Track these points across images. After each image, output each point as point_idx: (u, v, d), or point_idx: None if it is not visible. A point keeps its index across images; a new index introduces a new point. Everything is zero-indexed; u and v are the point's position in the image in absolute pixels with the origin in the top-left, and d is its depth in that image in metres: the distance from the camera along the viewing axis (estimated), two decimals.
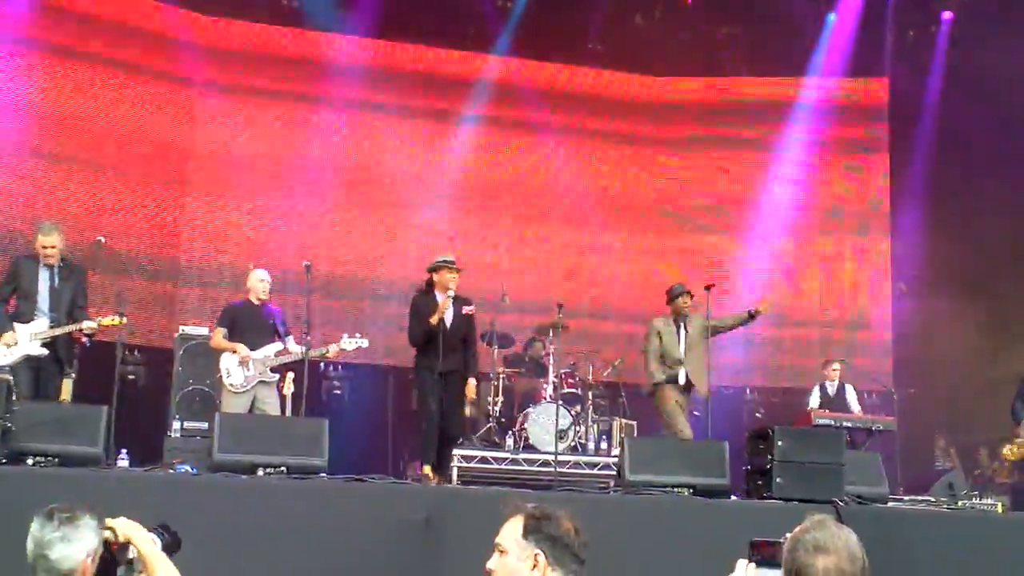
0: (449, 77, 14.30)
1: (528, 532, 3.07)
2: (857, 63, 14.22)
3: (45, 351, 8.25)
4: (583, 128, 14.72)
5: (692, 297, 9.92)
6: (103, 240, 8.87)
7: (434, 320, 8.66)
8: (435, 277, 8.91)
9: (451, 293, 8.73)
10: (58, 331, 8.26)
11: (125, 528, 3.39)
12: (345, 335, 9.13)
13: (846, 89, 14.72)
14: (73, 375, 8.62)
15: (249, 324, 9.11)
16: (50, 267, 8.42)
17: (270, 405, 8.97)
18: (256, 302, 9.21)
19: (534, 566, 3.03)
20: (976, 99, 13.24)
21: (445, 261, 8.94)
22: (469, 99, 14.28)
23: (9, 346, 8.17)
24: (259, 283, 9.22)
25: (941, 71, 13.81)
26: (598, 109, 14.75)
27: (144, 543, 3.39)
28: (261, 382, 8.94)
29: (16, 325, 8.26)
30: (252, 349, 8.94)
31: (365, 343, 9.09)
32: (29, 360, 8.22)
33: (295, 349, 9.02)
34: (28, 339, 8.22)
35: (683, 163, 14.89)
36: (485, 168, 14.43)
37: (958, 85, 13.51)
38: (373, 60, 13.98)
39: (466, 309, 8.96)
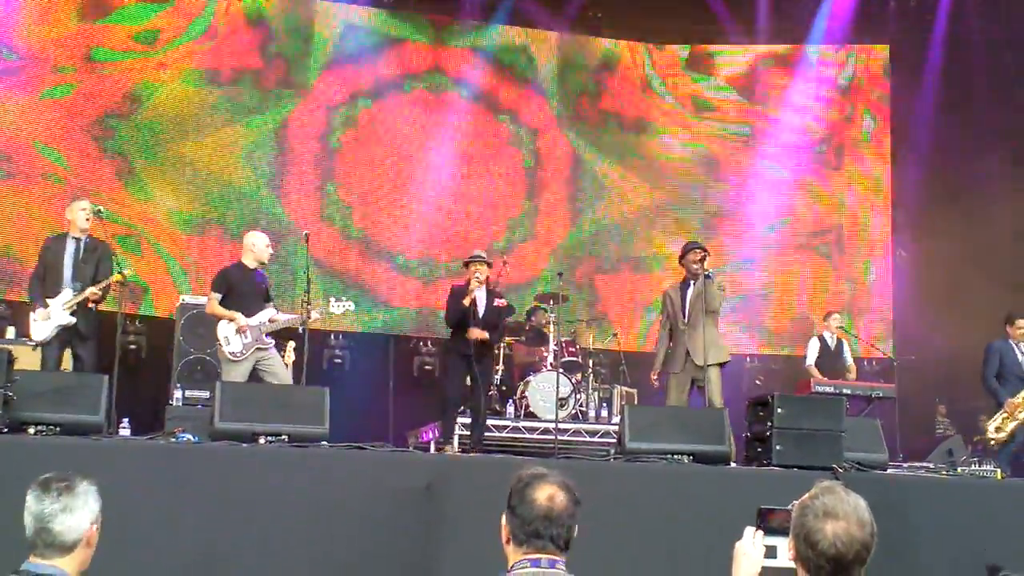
0: (449, 45, 14.28)
1: (507, 502, 3.10)
2: (859, 29, 14.15)
3: (74, 319, 8.46)
4: (582, 97, 14.70)
5: (707, 255, 9.39)
6: (102, 210, 8.85)
7: (466, 301, 9.44)
8: (469, 269, 9.72)
9: (479, 276, 9.54)
10: (79, 298, 8.46)
11: None
12: (332, 298, 9.01)
13: (847, 56, 14.67)
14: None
15: (244, 289, 8.87)
16: (77, 240, 8.69)
17: (273, 372, 8.76)
18: (251, 266, 8.96)
19: (506, 538, 3.09)
20: (978, 65, 13.20)
21: (477, 256, 9.81)
22: (469, 67, 14.29)
23: (44, 320, 8.42)
24: (264, 248, 8.99)
25: (943, 36, 13.73)
26: (597, 77, 14.72)
27: None
28: (258, 348, 8.79)
29: (47, 300, 8.52)
30: (248, 314, 8.74)
31: (351, 306, 9.08)
32: (62, 333, 8.46)
33: (280, 317, 8.93)
34: (59, 310, 8.45)
35: (682, 128, 14.86)
36: (483, 136, 14.43)
37: (960, 51, 13.45)
38: (373, 27, 13.96)
39: (498, 301, 9.71)
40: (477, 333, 9.46)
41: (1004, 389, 10.12)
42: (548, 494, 3.06)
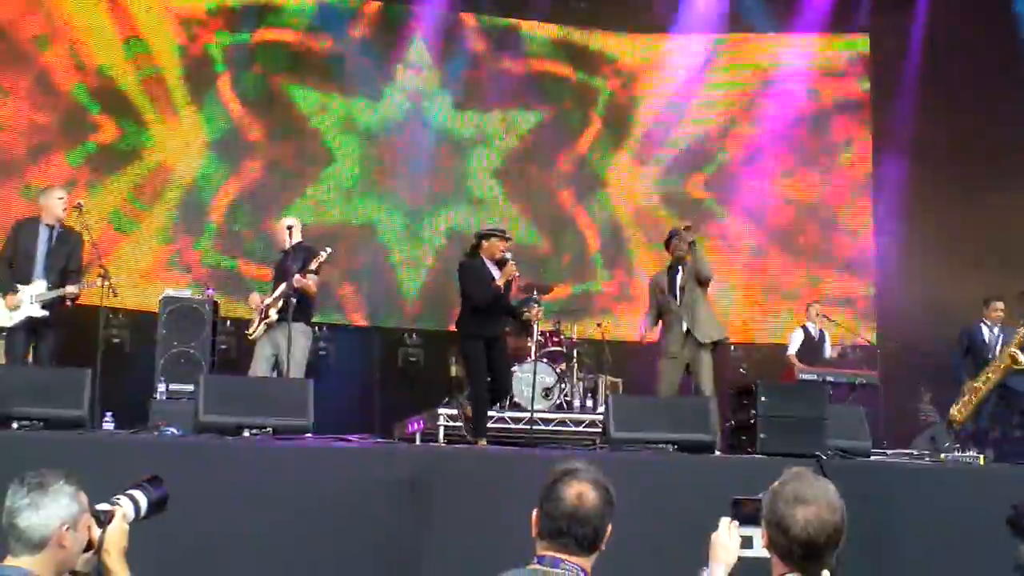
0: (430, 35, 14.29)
1: (539, 496, 3.07)
2: (839, 19, 14.19)
3: (45, 312, 8.38)
4: (569, 86, 14.72)
5: (687, 228, 9.30)
6: (83, 204, 8.81)
7: (500, 282, 8.46)
8: (484, 244, 8.64)
9: (508, 255, 8.51)
10: (53, 294, 8.37)
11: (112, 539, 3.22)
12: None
13: (828, 45, 14.71)
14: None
15: (277, 273, 9.06)
16: (50, 228, 8.56)
17: (291, 351, 8.54)
18: (286, 248, 9.03)
19: (535, 532, 3.04)
20: (960, 51, 13.24)
21: (498, 230, 8.80)
22: (450, 57, 14.29)
23: (14, 308, 8.31)
24: (282, 229, 9.10)
25: (923, 25, 13.77)
26: (584, 66, 14.74)
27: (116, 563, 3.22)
28: (267, 326, 8.82)
29: (17, 286, 8.40)
30: None
31: (323, 255, 8.76)
32: (29, 321, 8.37)
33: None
34: (29, 300, 8.35)
35: (669, 117, 14.85)
36: (469, 125, 14.45)
37: (941, 39, 13.50)
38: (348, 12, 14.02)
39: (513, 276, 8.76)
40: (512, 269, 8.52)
41: (965, 371, 10.23)
42: (577, 492, 2.99)
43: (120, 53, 12.81)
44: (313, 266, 8.72)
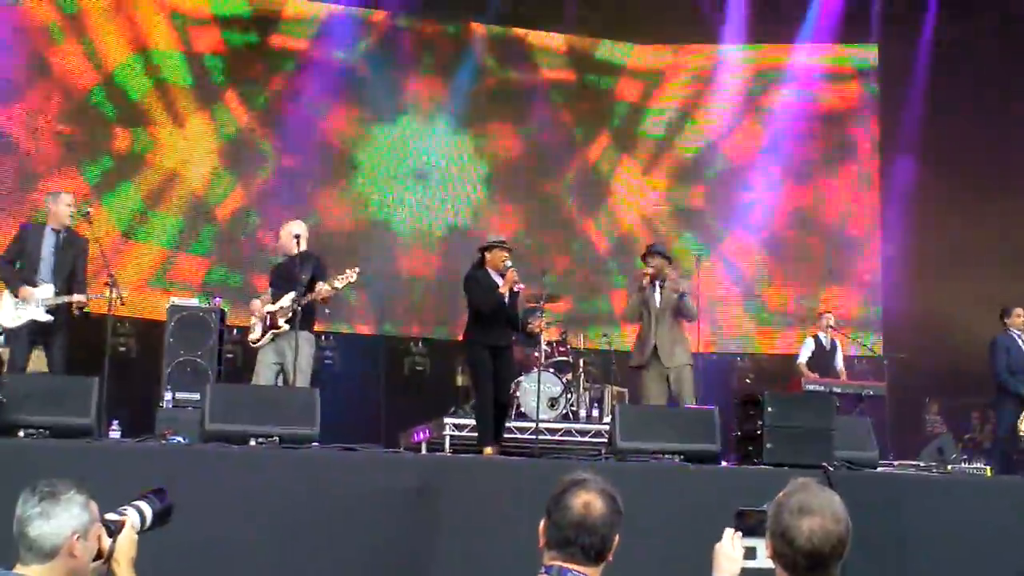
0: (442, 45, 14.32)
1: (546, 506, 3.06)
2: (847, 29, 14.21)
3: (51, 317, 8.33)
4: (577, 96, 14.73)
5: (668, 260, 9.36)
6: (90, 212, 8.82)
7: (504, 289, 8.59)
8: (487, 256, 8.81)
9: (509, 264, 8.64)
10: (60, 300, 8.33)
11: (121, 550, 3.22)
12: (335, 278, 8.71)
13: (836, 55, 14.72)
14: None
15: (279, 280, 8.91)
16: (56, 233, 8.50)
17: (295, 359, 8.43)
18: (292, 254, 8.88)
19: (542, 542, 3.03)
20: (966, 63, 13.26)
21: (499, 241, 8.90)
22: (458, 67, 14.33)
23: (25, 300, 8.24)
24: (288, 236, 8.91)
25: (931, 36, 13.80)
26: (592, 76, 14.75)
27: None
28: (275, 335, 8.72)
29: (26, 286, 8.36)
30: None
31: (353, 276, 8.65)
32: (31, 327, 8.31)
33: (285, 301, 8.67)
34: (35, 303, 8.30)
35: (676, 127, 14.86)
36: (476, 135, 14.47)
37: (948, 48, 13.51)
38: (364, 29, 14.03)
39: (518, 287, 8.83)
40: (513, 276, 8.58)
41: (1017, 381, 10.10)
42: (584, 501, 2.98)
43: (129, 61, 12.87)
44: (339, 285, 8.65)
